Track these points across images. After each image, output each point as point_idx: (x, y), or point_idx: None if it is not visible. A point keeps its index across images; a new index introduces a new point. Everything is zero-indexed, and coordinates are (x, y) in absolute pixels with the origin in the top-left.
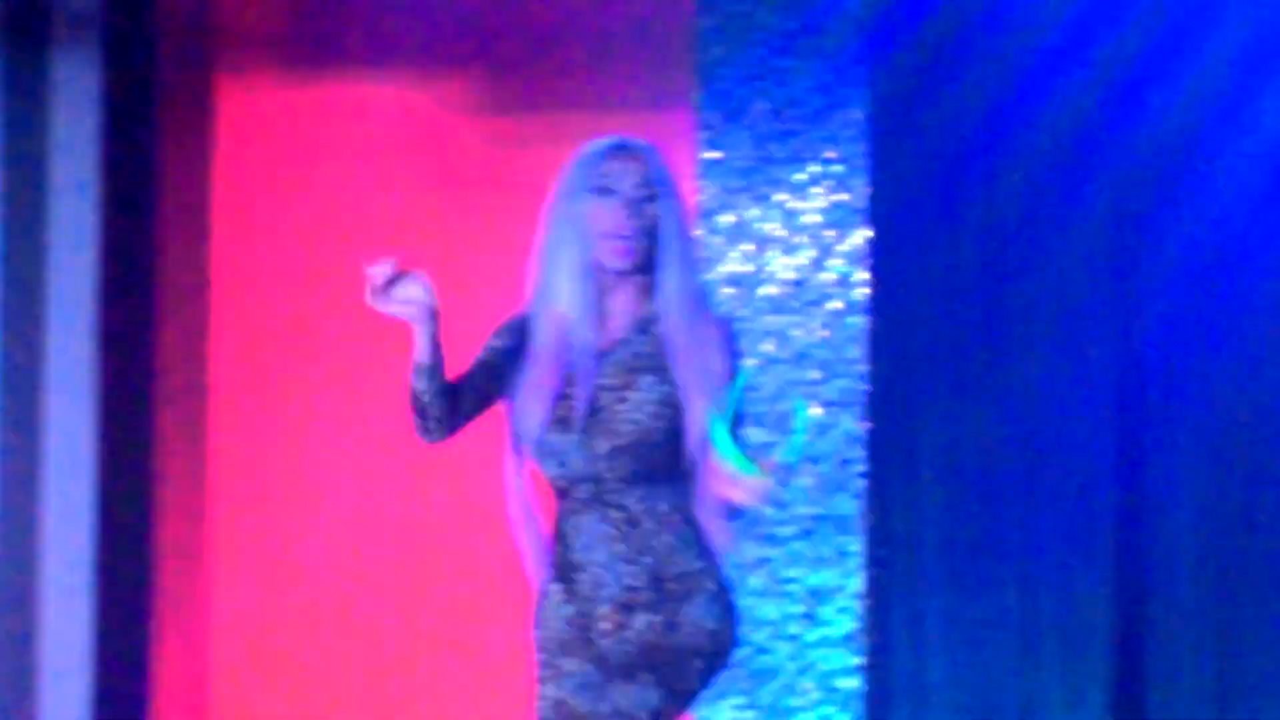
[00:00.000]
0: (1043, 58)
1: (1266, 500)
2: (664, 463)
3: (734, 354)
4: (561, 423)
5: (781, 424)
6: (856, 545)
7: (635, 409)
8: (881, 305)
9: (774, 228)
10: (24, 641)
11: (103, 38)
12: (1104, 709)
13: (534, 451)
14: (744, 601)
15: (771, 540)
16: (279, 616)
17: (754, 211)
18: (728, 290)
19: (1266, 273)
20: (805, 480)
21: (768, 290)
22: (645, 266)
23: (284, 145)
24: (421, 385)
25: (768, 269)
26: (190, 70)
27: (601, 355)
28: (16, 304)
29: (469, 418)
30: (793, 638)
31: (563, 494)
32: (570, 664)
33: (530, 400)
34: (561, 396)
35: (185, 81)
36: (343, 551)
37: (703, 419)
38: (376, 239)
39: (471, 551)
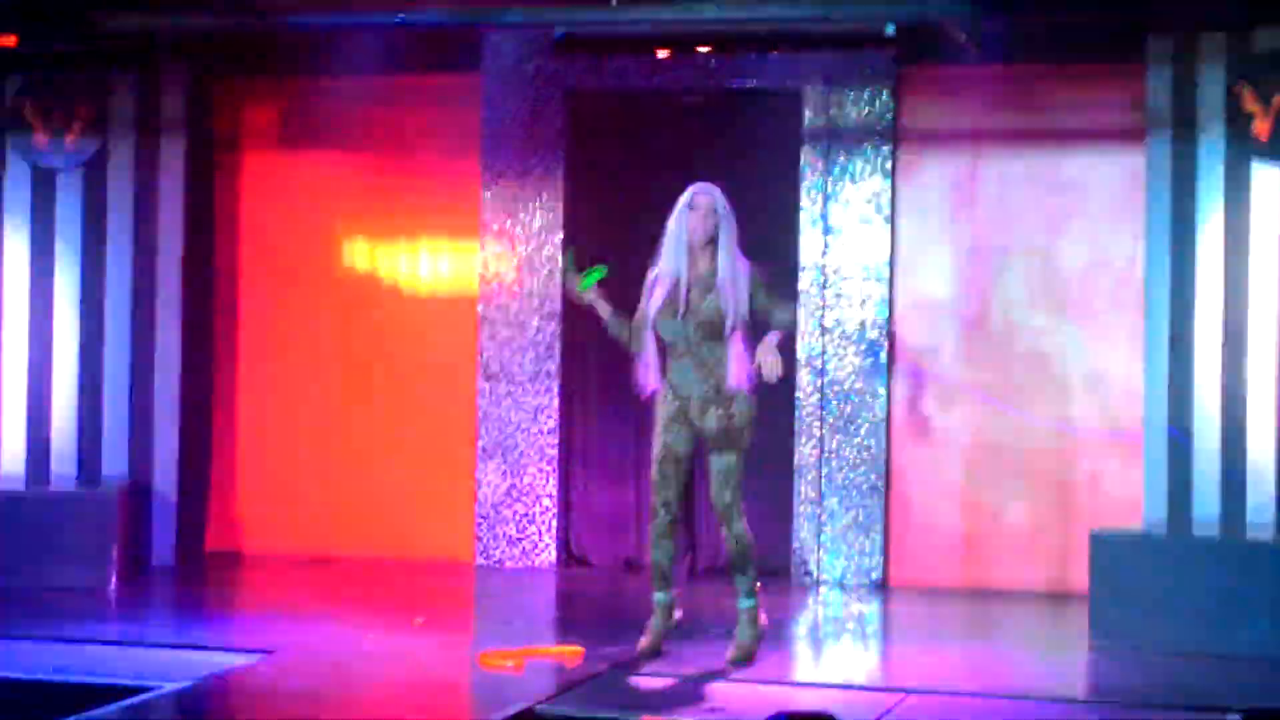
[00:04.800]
0: None
1: None
2: (719, 335)
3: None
4: (673, 312)
5: None
6: None
7: (709, 307)
8: None
9: None
10: None
11: None
12: None
13: (657, 326)
14: None
15: None
16: None
17: None
18: None
19: None
20: None
21: None
22: (711, 242)
23: None
24: (614, 333)
25: None
26: None
27: (691, 283)
28: None
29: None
30: None
31: (671, 349)
32: (674, 427)
33: (658, 302)
34: (671, 299)
35: None
36: None
37: (733, 317)
38: None
39: None
